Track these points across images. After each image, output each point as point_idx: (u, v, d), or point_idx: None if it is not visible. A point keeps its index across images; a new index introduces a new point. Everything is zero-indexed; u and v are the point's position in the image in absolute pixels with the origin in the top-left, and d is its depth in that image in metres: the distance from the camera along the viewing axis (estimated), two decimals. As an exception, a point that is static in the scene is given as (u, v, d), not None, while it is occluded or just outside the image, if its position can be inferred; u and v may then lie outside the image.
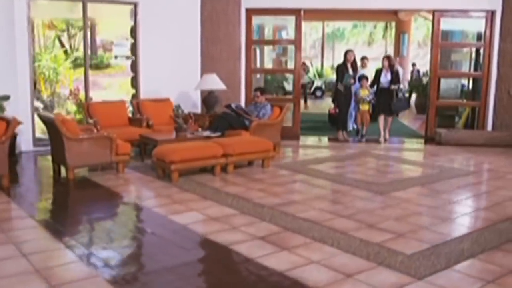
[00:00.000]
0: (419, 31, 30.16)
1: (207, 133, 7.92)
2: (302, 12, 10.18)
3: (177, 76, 9.45)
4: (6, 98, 7.89)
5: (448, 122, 11.11)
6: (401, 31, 21.44)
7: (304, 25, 10.65)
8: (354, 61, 10.41)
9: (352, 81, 10.04)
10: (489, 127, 10.13)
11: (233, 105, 8.49)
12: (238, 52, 10.12)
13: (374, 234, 4.67)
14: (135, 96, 9.53)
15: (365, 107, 10.07)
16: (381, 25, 31.14)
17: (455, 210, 5.56)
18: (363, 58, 12.11)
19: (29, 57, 8.33)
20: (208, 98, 9.06)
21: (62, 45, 23.20)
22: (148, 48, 9.32)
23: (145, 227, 5.02)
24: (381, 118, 10.11)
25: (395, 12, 21.02)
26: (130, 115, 9.20)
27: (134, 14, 9.25)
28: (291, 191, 6.23)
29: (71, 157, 6.68)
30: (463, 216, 5.38)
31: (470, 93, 11.28)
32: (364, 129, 10.13)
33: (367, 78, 10.12)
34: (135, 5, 9.20)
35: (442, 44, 10.49)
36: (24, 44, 8.27)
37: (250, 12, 10.22)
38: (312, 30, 35.43)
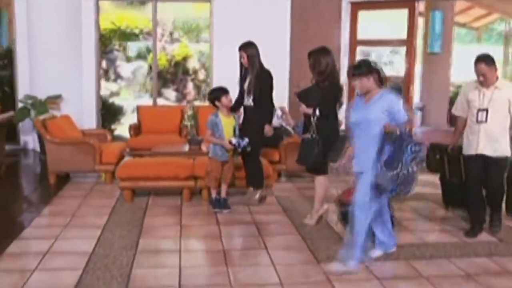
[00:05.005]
0: None
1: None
2: (416, 4, 7.87)
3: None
4: (58, 97, 8.11)
5: None
6: None
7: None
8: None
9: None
10: None
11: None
12: (337, 56, 8.37)
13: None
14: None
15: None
16: None
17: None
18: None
19: (95, 58, 8.35)
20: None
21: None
22: (224, 49, 8.40)
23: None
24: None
25: None
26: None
27: (210, 13, 8.49)
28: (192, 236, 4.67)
29: (50, 161, 6.41)
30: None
31: None
32: (213, 192, 5.44)
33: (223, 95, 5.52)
34: (210, 2, 8.42)
35: None
36: (90, 46, 8.29)
37: (356, 7, 8.38)
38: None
